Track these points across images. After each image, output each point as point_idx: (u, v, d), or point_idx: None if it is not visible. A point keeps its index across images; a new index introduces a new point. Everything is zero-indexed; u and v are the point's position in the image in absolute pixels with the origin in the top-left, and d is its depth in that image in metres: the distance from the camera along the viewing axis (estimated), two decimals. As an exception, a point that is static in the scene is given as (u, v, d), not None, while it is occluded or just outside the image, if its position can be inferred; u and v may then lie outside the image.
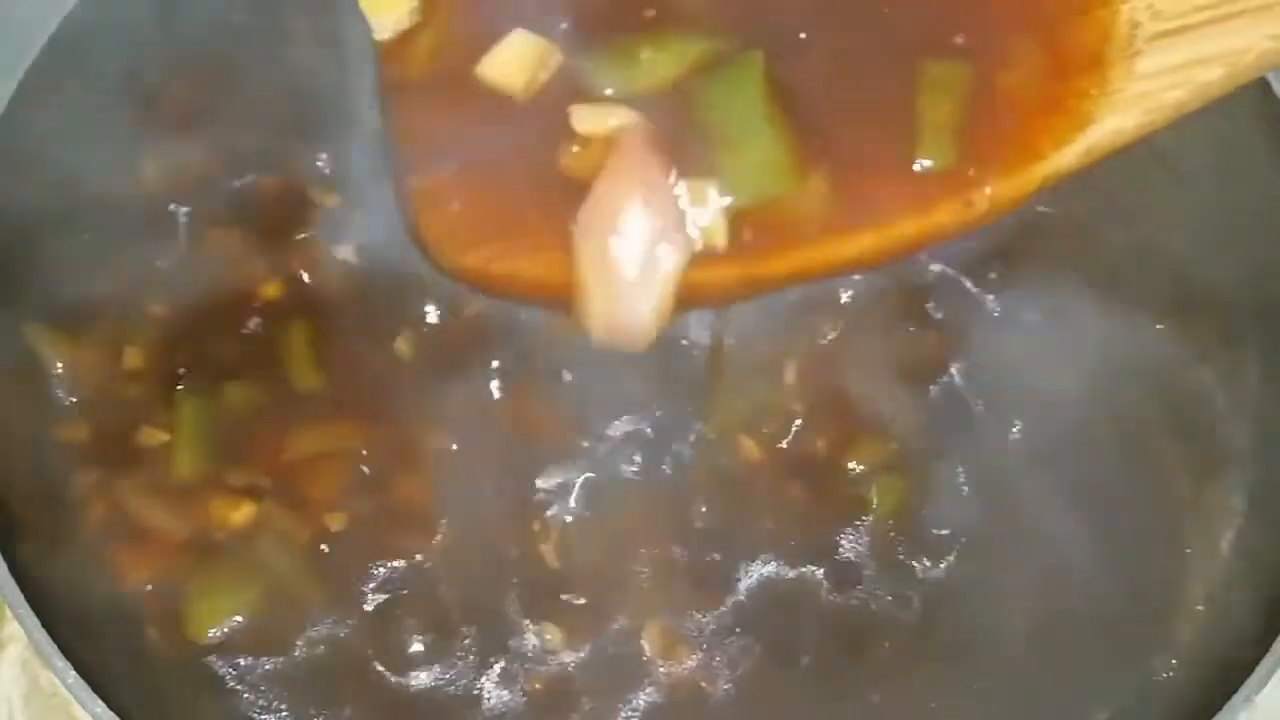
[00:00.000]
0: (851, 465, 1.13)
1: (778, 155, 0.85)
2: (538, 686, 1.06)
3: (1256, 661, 0.96)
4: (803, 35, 0.89)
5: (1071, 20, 0.89)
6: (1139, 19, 0.86)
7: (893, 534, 1.11)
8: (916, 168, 0.86)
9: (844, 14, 0.90)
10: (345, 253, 1.17)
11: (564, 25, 0.90)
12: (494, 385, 1.15)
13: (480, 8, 0.92)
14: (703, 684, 1.07)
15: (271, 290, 1.17)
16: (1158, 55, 0.85)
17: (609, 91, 0.87)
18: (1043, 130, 0.86)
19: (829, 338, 1.17)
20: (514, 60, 0.88)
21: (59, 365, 1.13)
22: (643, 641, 1.08)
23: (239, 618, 1.07)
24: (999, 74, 0.87)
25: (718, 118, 0.86)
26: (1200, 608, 1.11)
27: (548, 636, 1.07)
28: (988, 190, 0.86)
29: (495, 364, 1.15)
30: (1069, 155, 0.86)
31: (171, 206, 1.19)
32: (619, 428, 1.14)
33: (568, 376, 1.15)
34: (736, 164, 0.85)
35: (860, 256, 0.87)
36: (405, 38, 0.93)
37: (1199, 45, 0.84)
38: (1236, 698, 0.95)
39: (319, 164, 1.18)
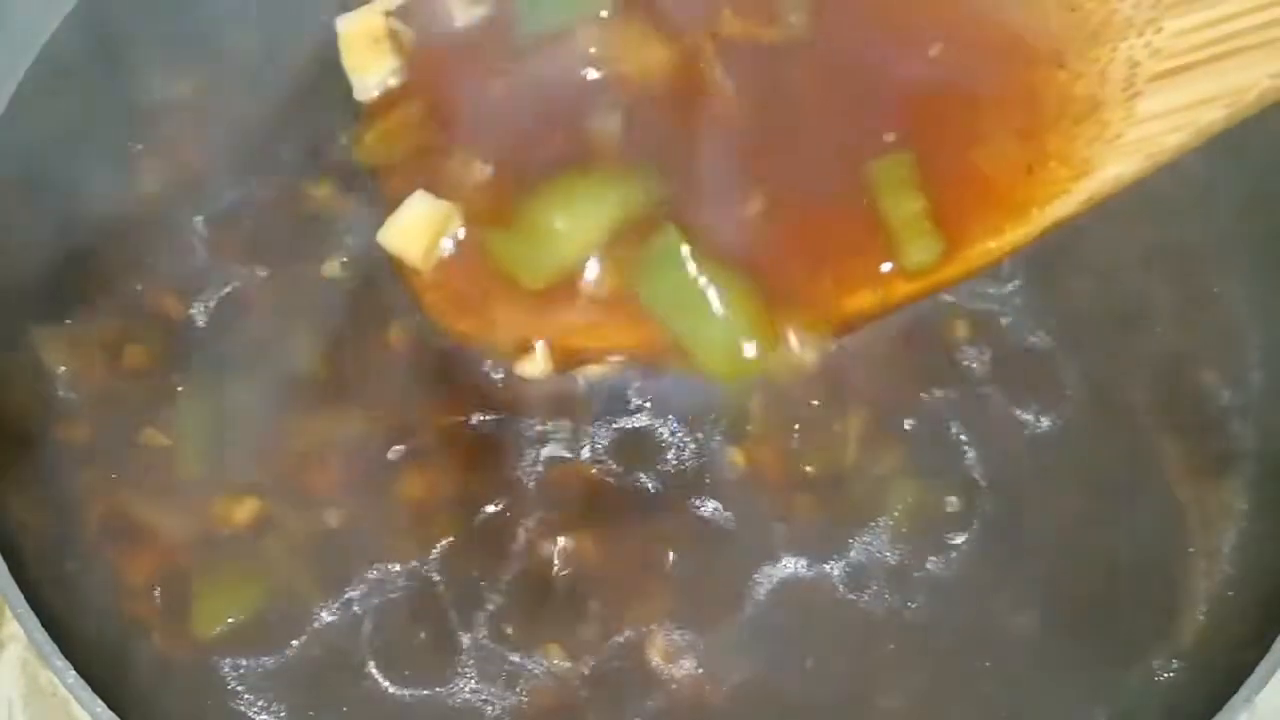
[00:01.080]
0: (869, 468, 1.13)
1: (739, 324, 0.85)
2: (541, 697, 1.06)
3: (1257, 662, 0.96)
4: (715, 162, 0.89)
5: (1047, 74, 0.87)
6: (1138, 58, 0.85)
7: (905, 537, 1.11)
8: (899, 267, 0.86)
9: (773, 132, 0.89)
10: (343, 251, 1.17)
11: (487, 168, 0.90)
12: (496, 382, 1.14)
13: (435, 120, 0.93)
14: (707, 688, 1.06)
15: (272, 288, 1.17)
16: (1159, 96, 0.84)
17: (538, 285, 0.87)
18: (1037, 184, 0.85)
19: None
20: (413, 226, 0.88)
21: (61, 367, 1.13)
22: (648, 652, 1.07)
23: (242, 615, 1.06)
24: (970, 149, 0.86)
25: (665, 311, 0.86)
26: (1202, 608, 1.10)
27: (551, 647, 1.07)
28: (987, 246, 0.86)
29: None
30: (1069, 204, 0.86)
31: (171, 207, 1.19)
32: (624, 425, 1.14)
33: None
34: (707, 358, 0.86)
35: (862, 314, 0.88)
36: (384, 105, 0.93)
37: (1200, 85, 0.83)
38: (1237, 698, 0.95)
39: (318, 162, 1.18)
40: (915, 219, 0.85)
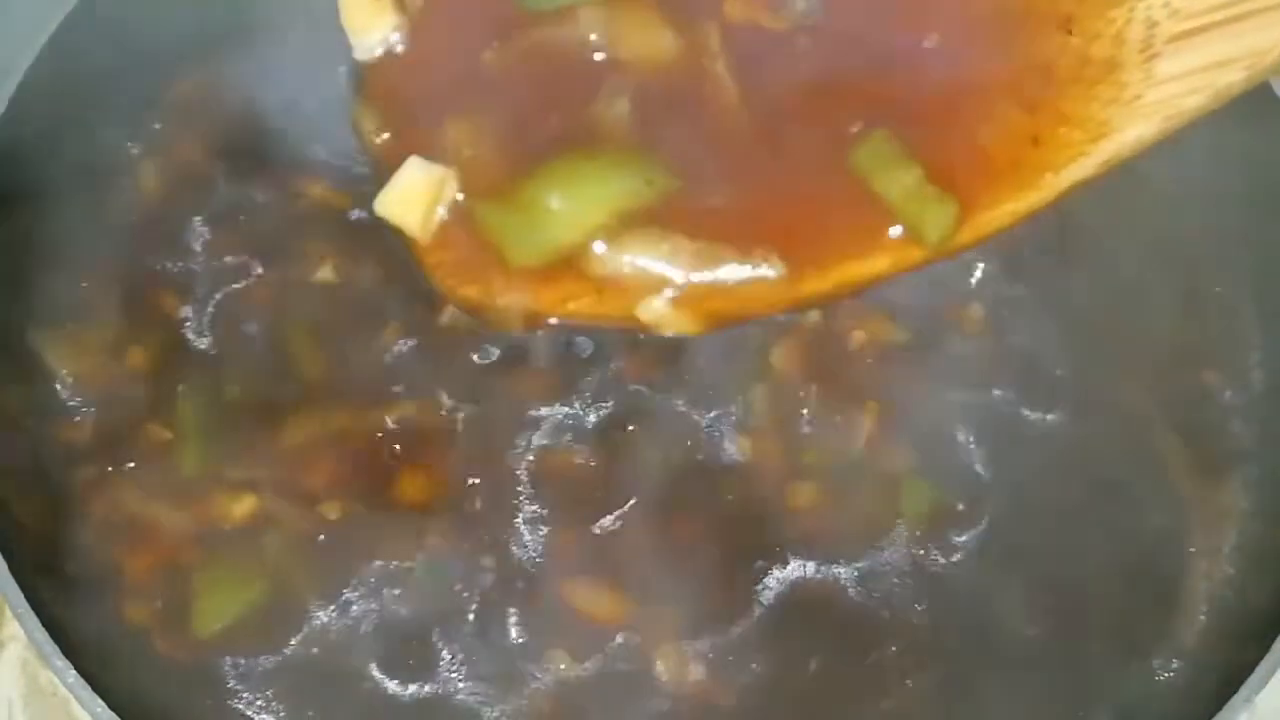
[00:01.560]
0: (876, 469, 1.13)
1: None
2: (541, 699, 1.06)
3: (1257, 662, 0.96)
4: (717, 158, 0.87)
5: (1059, 41, 0.86)
6: (1156, 18, 0.84)
7: (912, 538, 1.11)
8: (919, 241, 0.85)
9: (779, 120, 0.88)
10: (341, 250, 1.17)
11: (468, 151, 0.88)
12: (492, 378, 1.14)
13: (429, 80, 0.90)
14: (710, 691, 1.06)
15: (270, 288, 1.17)
16: (1178, 57, 0.83)
17: (526, 263, 0.85)
18: (1048, 151, 0.84)
19: (855, 347, 1.17)
20: (409, 193, 0.86)
21: (63, 369, 1.13)
22: (652, 654, 1.06)
23: (240, 613, 1.06)
24: (977, 125, 0.85)
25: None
26: (1202, 608, 1.11)
27: (553, 648, 1.06)
28: (1002, 210, 0.85)
29: (495, 352, 1.14)
30: (1087, 167, 0.84)
31: (170, 207, 1.19)
32: (626, 421, 1.14)
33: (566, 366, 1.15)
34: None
35: (876, 277, 0.87)
36: (385, 68, 0.91)
37: (1220, 46, 0.82)
38: (1237, 698, 0.96)
39: (316, 162, 1.18)
40: (917, 188, 0.84)
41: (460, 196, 0.87)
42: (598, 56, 0.89)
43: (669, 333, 0.88)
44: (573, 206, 0.85)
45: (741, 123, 0.88)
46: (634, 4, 0.89)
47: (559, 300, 0.87)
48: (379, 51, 0.91)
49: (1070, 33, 0.86)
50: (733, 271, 0.85)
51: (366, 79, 0.92)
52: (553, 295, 0.87)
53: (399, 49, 0.90)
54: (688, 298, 0.86)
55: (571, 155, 0.86)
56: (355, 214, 1.17)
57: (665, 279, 0.85)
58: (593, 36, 0.88)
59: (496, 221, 0.86)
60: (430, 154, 0.87)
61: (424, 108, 0.89)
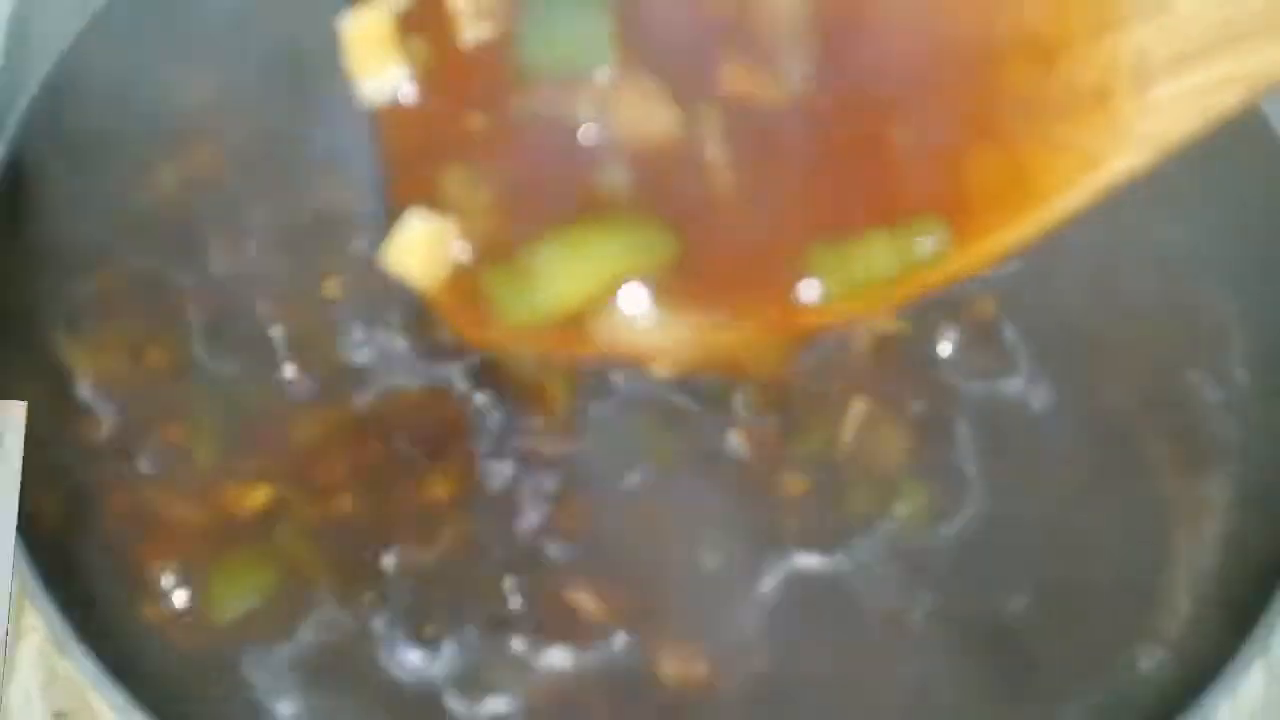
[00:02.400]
0: (868, 461, 1.14)
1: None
2: (544, 693, 1.07)
3: (1238, 650, 0.99)
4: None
5: (1042, 75, 0.83)
6: (1149, 43, 0.81)
7: (901, 530, 1.12)
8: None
9: (775, 194, 0.85)
10: (353, 258, 1.18)
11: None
12: (494, 368, 1.15)
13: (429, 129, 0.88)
14: (713, 684, 1.07)
15: (284, 291, 1.18)
16: (1173, 82, 0.81)
17: (519, 322, 0.83)
18: (1035, 183, 0.82)
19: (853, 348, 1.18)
20: (411, 246, 0.84)
21: (83, 369, 1.14)
22: (654, 650, 1.08)
23: (255, 601, 1.07)
24: (956, 164, 0.83)
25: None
26: (1185, 598, 1.12)
27: (556, 642, 1.08)
28: (990, 243, 0.83)
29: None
30: (1077, 198, 0.82)
31: (187, 212, 1.20)
32: (623, 413, 1.15)
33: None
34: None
35: (871, 310, 0.86)
36: (391, 116, 0.88)
37: (1214, 69, 0.80)
38: (1219, 686, 0.98)
39: (332, 167, 1.19)
40: (894, 240, 0.84)
41: (461, 249, 0.85)
42: (596, 129, 0.86)
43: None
44: (568, 271, 0.83)
45: (735, 195, 0.86)
46: (635, 80, 0.87)
47: (567, 347, 0.87)
48: (384, 98, 0.88)
49: (1056, 63, 0.83)
50: (736, 333, 0.84)
51: (373, 123, 0.90)
52: (559, 343, 0.86)
53: (406, 98, 0.88)
54: (691, 359, 0.86)
55: (568, 221, 0.84)
56: (369, 222, 1.17)
57: (667, 340, 0.84)
58: (592, 109, 0.86)
59: (492, 284, 0.84)
60: (433, 206, 0.86)
61: (428, 160, 0.87)
